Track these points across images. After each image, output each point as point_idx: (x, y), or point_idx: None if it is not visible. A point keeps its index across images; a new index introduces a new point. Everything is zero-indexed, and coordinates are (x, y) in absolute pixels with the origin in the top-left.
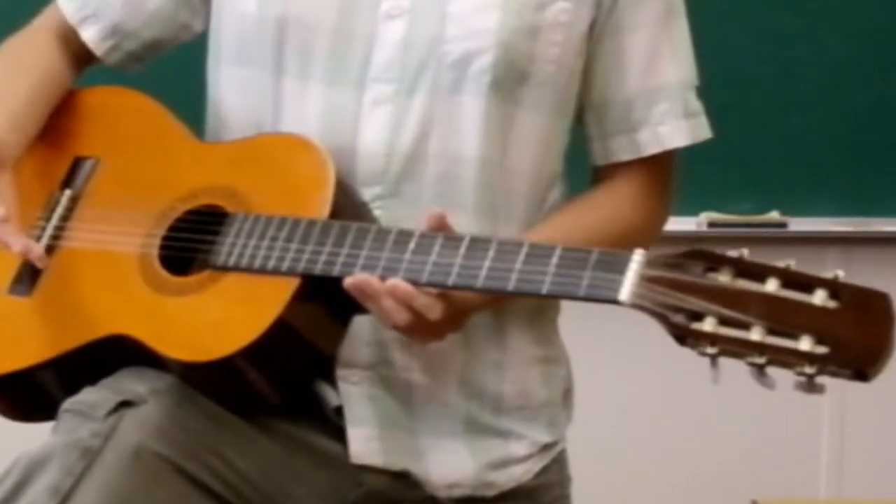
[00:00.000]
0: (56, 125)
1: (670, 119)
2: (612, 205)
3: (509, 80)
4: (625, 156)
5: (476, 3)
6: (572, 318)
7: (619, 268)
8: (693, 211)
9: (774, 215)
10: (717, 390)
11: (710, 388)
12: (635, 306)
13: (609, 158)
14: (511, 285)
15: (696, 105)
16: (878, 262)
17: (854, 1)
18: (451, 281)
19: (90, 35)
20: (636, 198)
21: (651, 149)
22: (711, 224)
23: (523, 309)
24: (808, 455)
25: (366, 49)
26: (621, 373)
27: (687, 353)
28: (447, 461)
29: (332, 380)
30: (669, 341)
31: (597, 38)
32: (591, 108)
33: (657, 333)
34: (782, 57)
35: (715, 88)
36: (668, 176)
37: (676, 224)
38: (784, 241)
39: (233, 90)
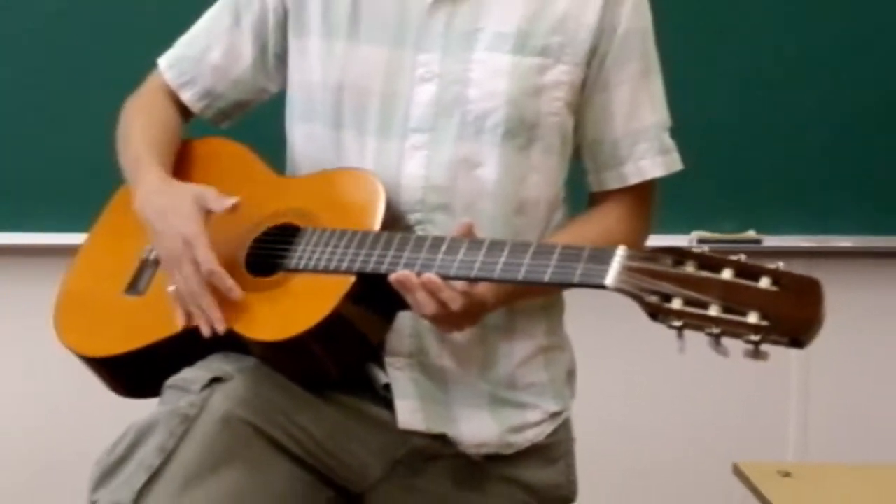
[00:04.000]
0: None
1: (649, 155)
2: (604, 223)
3: (520, 130)
4: (614, 185)
5: (491, 70)
6: (580, 317)
7: (606, 259)
8: (685, 230)
9: (751, 233)
10: (701, 374)
11: (697, 373)
12: (618, 290)
13: (601, 187)
14: (521, 276)
15: (670, 143)
16: (835, 271)
17: (819, 56)
18: (473, 274)
19: (188, 97)
20: (623, 217)
21: (634, 179)
22: (700, 240)
23: (531, 309)
24: (777, 424)
25: (406, 106)
26: (622, 360)
27: (664, 346)
28: (476, 427)
29: (380, 362)
30: (663, 338)
31: (588, 91)
32: (586, 146)
33: (652, 331)
34: (757, 106)
35: (704, 131)
36: (648, 200)
37: (672, 240)
38: (759, 254)
39: (302, 140)
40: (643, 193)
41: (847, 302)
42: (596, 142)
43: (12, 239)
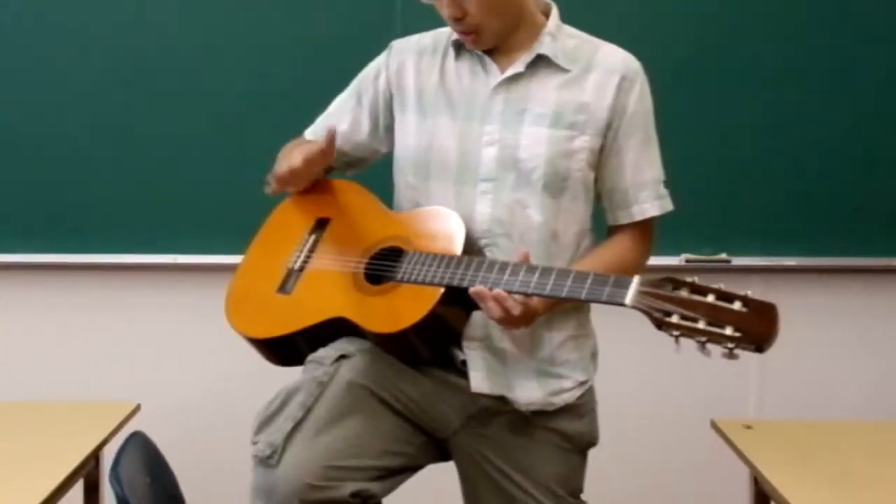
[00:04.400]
0: (309, 198)
1: (649, 200)
2: (617, 248)
3: (555, 182)
4: (624, 221)
5: (534, 139)
6: (604, 316)
7: (626, 285)
8: (676, 252)
9: (723, 255)
10: (689, 361)
11: (686, 360)
12: (634, 307)
13: (616, 222)
14: (563, 293)
15: (664, 191)
16: (785, 282)
17: (777, 125)
18: (529, 290)
19: None
20: (631, 245)
21: (639, 217)
22: (687, 260)
23: (566, 310)
24: (742, 393)
25: (476, 162)
26: (633, 348)
27: (664, 339)
28: (526, 391)
29: (459, 346)
30: (662, 335)
31: (605, 154)
32: (604, 193)
33: (654, 332)
34: (727, 162)
35: (689, 181)
36: (649, 232)
37: (666, 261)
38: (728, 270)
39: (403, 186)
40: (645, 227)
41: (792, 305)
42: (611, 190)
43: (200, 259)
